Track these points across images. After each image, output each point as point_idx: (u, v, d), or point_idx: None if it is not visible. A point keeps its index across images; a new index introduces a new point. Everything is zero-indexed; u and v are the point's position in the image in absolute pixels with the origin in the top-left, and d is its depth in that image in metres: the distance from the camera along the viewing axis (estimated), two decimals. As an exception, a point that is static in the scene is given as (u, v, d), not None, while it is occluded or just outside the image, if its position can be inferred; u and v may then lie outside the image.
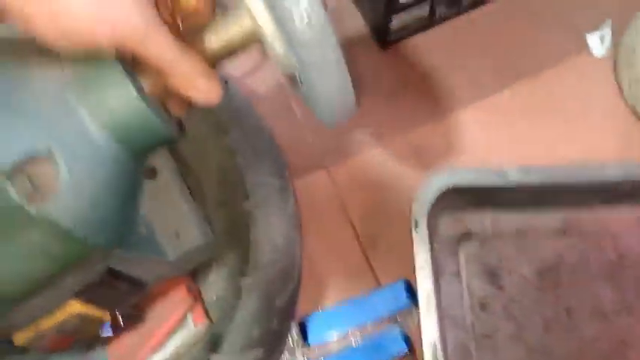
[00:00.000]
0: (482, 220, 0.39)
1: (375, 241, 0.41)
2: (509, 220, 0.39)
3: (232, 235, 0.36)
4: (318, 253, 0.41)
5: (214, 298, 0.35)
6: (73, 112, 0.22)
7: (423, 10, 0.47)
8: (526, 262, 0.38)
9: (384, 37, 0.48)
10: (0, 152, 0.20)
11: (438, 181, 0.36)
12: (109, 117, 0.22)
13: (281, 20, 0.22)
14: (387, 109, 0.46)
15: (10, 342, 0.30)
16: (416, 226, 0.35)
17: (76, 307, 0.30)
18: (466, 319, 0.37)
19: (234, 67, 0.43)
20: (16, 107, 0.21)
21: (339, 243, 0.42)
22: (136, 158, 0.25)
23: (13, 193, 0.20)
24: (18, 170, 0.20)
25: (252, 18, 0.24)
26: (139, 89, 0.22)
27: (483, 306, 0.37)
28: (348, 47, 0.48)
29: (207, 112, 0.38)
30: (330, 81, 0.23)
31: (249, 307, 0.33)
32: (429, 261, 0.34)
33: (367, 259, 0.41)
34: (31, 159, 0.20)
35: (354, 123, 0.45)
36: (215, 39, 0.25)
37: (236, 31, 0.25)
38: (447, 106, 0.46)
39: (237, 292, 0.33)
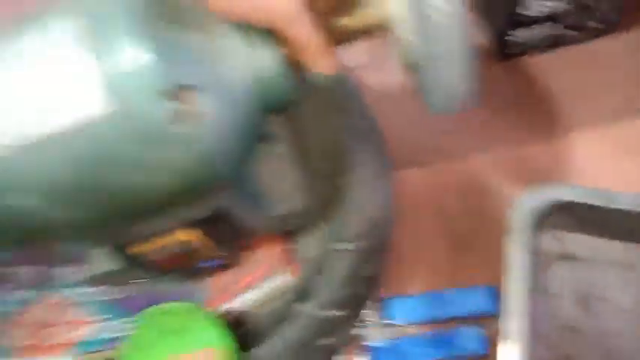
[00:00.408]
0: (583, 244, 0.37)
1: (465, 244, 0.42)
2: (613, 247, 0.37)
3: (330, 205, 0.38)
4: (406, 244, 0.42)
5: (307, 257, 0.38)
6: (227, 61, 0.26)
7: (547, 29, 0.47)
8: (626, 293, 0.36)
9: (503, 49, 0.48)
10: (162, 76, 0.24)
11: (542, 193, 0.36)
12: (255, 71, 0.27)
13: (419, 8, 0.24)
14: (497, 120, 0.46)
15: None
16: (511, 235, 0.35)
17: (190, 235, 0.34)
18: (551, 337, 0.35)
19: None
20: (184, 47, 0.25)
21: (428, 239, 0.42)
22: (264, 112, 0.28)
23: (165, 110, 0.24)
24: (172, 92, 0.24)
25: (387, 4, 0.27)
26: (283, 55, 0.27)
27: (572, 329, 0.36)
28: None
29: (321, 92, 0.42)
30: (456, 69, 0.25)
31: (339, 270, 0.35)
32: (521, 272, 0.33)
33: (454, 259, 0.41)
34: (185, 87, 0.24)
35: (462, 127, 0.46)
36: (346, 20, 0.28)
37: (367, 16, 0.28)
38: (561, 129, 0.46)
39: (330, 255, 0.36)
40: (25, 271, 0.41)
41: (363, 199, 0.37)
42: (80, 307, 0.40)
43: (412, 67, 0.28)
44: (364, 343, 0.38)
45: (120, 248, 0.34)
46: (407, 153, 0.45)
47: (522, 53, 0.49)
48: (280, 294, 0.37)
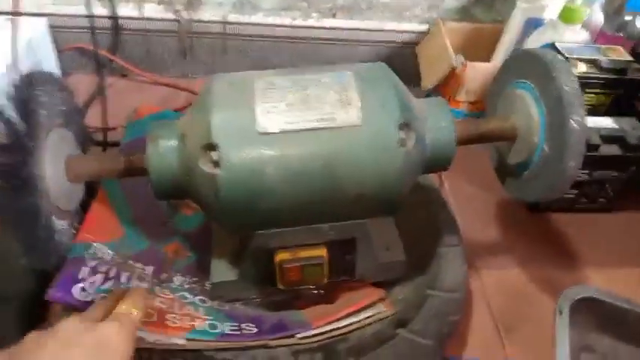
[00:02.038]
0: (602, 342, 0.48)
1: (509, 330, 0.52)
2: (626, 351, 0.48)
3: (420, 265, 0.49)
4: (462, 323, 0.51)
5: (399, 297, 0.47)
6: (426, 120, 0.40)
7: (570, 194, 0.64)
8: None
9: (535, 204, 0.64)
10: (400, 115, 0.37)
11: (580, 289, 0.48)
12: (434, 135, 0.40)
13: (559, 121, 0.40)
14: (533, 249, 0.60)
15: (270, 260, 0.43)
16: (560, 314, 0.45)
17: (322, 252, 0.43)
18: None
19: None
20: (411, 103, 0.39)
21: (480, 323, 0.52)
22: (424, 169, 0.41)
23: (397, 135, 0.37)
24: (403, 125, 0.37)
25: (528, 118, 0.42)
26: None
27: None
28: (506, 203, 0.66)
29: (419, 188, 0.55)
30: (574, 163, 0.39)
31: (431, 308, 0.44)
32: (568, 343, 0.43)
33: (501, 340, 0.50)
34: (407, 125, 0.38)
35: (505, 248, 0.60)
36: (484, 126, 0.43)
37: (505, 125, 0.43)
38: (578, 263, 0.60)
39: (421, 298, 0.45)
40: (140, 267, 0.47)
41: (451, 265, 0.48)
42: (191, 306, 0.45)
43: (514, 168, 0.43)
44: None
45: (270, 251, 0.42)
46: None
47: (549, 210, 0.65)
48: (376, 322, 0.45)
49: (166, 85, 0.77)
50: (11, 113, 0.36)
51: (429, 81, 0.68)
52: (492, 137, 0.43)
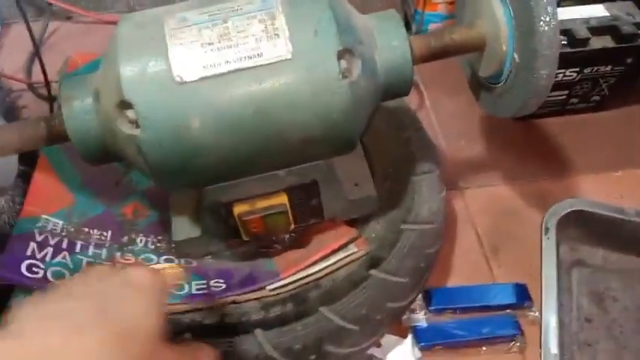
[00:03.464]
0: (594, 254, 0.46)
1: (496, 251, 0.49)
2: (619, 259, 0.45)
3: (393, 198, 0.45)
4: (446, 250, 0.49)
5: (372, 235, 0.44)
6: (374, 43, 0.35)
7: (559, 96, 0.59)
8: (629, 296, 0.44)
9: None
10: (339, 40, 0.31)
11: (568, 203, 0.45)
12: (388, 57, 0.35)
13: (527, 23, 0.34)
14: (520, 161, 0.57)
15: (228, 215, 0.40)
16: (546, 233, 0.43)
17: (283, 199, 0.39)
18: (572, 326, 0.42)
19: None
20: (353, 24, 0.33)
21: (465, 247, 0.50)
22: (382, 96, 0.36)
23: (337, 65, 0.31)
24: (343, 53, 0.32)
25: (494, 25, 0.36)
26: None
27: (588, 320, 0.43)
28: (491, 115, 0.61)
29: (391, 114, 0.50)
30: (549, 70, 0.33)
31: (406, 244, 0.41)
32: (555, 261, 0.41)
33: (488, 262, 0.48)
34: (348, 51, 0.32)
35: (493, 164, 0.56)
36: (446, 38, 0.37)
37: (470, 34, 0.38)
38: (569, 171, 0.56)
39: (396, 234, 0.42)
40: (97, 234, 0.45)
41: (426, 193, 0.44)
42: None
43: (488, 80, 0.37)
44: (411, 325, 0.44)
45: (226, 206, 0.39)
46: (446, 179, 0.53)
47: (534, 116, 0.60)
48: (348, 263, 0.42)
49: (112, 22, 0.70)
50: None
51: (397, -15, 0.61)
52: (458, 50, 0.37)
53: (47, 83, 0.56)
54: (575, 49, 0.50)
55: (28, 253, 0.38)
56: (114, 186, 0.48)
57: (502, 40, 0.36)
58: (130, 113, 0.32)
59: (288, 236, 0.45)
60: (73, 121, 0.34)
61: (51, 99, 0.56)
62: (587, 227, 0.46)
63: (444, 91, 0.62)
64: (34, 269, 0.38)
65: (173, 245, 0.44)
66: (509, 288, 0.45)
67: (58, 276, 0.38)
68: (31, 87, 0.63)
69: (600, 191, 0.53)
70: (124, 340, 0.24)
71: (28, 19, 0.66)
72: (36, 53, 0.55)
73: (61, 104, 0.34)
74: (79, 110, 0.34)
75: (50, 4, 0.68)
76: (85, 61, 0.53)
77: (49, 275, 0.38)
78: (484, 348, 0.44)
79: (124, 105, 0.32)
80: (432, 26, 0.66)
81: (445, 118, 0.61)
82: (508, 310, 0.45)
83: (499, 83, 0.39)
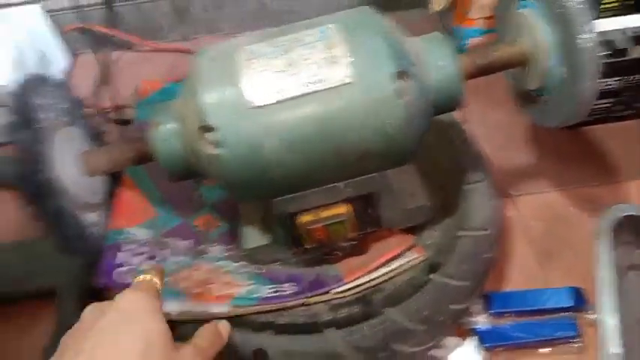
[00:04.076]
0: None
1: (550, 256, 0.51)
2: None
3: (446, 207, 0.48)
4: (501, 256, 0.50)
5: (429, 242, 0.46)
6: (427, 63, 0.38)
7: (604, 104, 0.59)
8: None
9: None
10: (395, 63, 0.35)
11: (620, 208, 0.46)
12: (439, 75, 0.37)
13: (567, 39, 0.36)
14: (568, 168, 0.58)
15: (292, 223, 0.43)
16: (600, 237, 0.44)
17: (344, 209, 0.42)
18: (630, 327, 0.43)
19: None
20: (406, 48, 0.37)
21: (519, 252, 0.51)
22: (433, 113, 0.39)
23: (393, 87, 0.34)
24: (398, 74, 0.35)
25: (536, 41, 0.39)
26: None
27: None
28: (536, 125, 0.62)
29: (439, 127, 0.53)
30: (591, 83, 0.35)
31: (462, 249, 0.44)
32: (610, 264, 0.42)
33: (542, 267, 0.50)
34: (403, 73, 0.35)
35: (539, 171, 0.58)
36: (491, 55, 0.40)
37: (513, 51, 0.40)
38: (617, 177, 0.57)
39: (452, 241, 0.45)
40: (180, 244, 0.49)
41: (479, 203, 0.46)
42: (230, 275, 0.47)
43: (531, 94, 0.39)
44: (472, 327, 0.46)
45: (292, 216, 0.42)
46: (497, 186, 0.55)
47: (579, 124, 0.61)
48: (409, 269, 0.45)
49: (169, 50, 0.75)
50: (15, 122, 0.37)
51: (437, 3, 0.63)
52: (502, 66, 0.40)
53: (117, 108, 0.61)
54: (615, 58, 0.51)
55: (118, 261, 0.43)
56: (187, 200, 0.52)
57: (544, 55, 0.38)
58: (211, 135, 0.36)
59: (347, 244, 0.48)
60: (161, 143, 0.38)
61: (121, 122, 0.61)
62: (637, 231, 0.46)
63: (487, 102, 0.64)
64: (123, 276, 0.42)
65: (243, 253, 0.48)
66: (566, 291, 0.47)
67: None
68: (101, 112, 0.69)
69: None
70: None
71: (93, 50, 0.73)
72: (107, 81, 0.60)
73: (148, 129, 0.39)
74: (165, 134, 0.38)
75: (113, 35, 0.74)
76: (154, 88, 0.58)
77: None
78: (544, 349, 0.45)
79: (206, 129, 0.36)
80: (470, 41, 0.68)
81: (490, 128, 0.62)
82: (566, 313, 0.46)
83: (545, 95, 0.41)
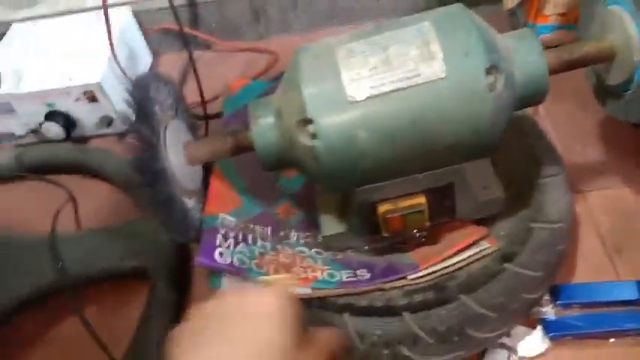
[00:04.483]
0: None
1: (620, 250, 0.52)
2: None
3: (520, 199, 0.49)
4: (570, 249, 0.51)
5: (502, 233, 0.48)
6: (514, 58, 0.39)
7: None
8: None
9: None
10: (487, 58, 0.37)
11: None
12: (525, 69, 0.39)
13: None
14: (637, 166, 0.58)
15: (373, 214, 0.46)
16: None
17: (422, 199, 0.45)
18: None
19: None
20: (496, 44, 0.38)
21: (589, 246, 0.52)
22: (518, 105, 0.41)
23: (485, 81, 0.37)
24: (490, 69, 0.37)
25: (625, 36, 0.40)
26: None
27: None
28: (606, 121, 0.63)
29: (514, 122, 0.54)
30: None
31: (536, 241, 0.45)
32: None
33: (611, 261, 0.51)
34: (494, 68, 0.37)
35: (609, 167, 0.58)
36: (578, 50, 0.41)
37: (601, 46, 0.41)
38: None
39: (525, 232, 0.46)
40: (264, 230, 0.53)
41: (554, 196, 0.48)
42: (309, 259, 0.50)
43: (616, 89, 0.40)
44: (540, 317, 0.47)
45: (373, 205, 0.45)
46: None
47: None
48: (481, 258, 0.47)
49: (246, 49, 0.79)
50: (132, 117, 0.41)
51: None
52: (588, 61, 0.41)
53: (204, 104, 0.66)
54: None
55: (217, 243, 0.47)
56: (269, 190, 0.56)
57: (633, 50, 0.39)
58: (310, 128, 0.39)
59: (420, 233, 0.50)
60: (259, 136, 0.42)
61: (207, 117, 0.66)
62: None
63: (556, 96, 0.65)
64: (224, 256, 0.46)
65: (320, 239, 0.51)
66: (634, 285, 0.47)
67: (242, 262, 0.46)
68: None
69: None
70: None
71: (173, 50, 0.78)
72: (195, 77, 0.65)
73: (249, 122, 0.43)
74: (264, 126, 0.42)
75: (195, 36, 0.80)
76: (239, 85, 0.63)
77: (234, 261, 0.46)
78: (611, 340, 0.46)
79: (306, 121, 0.39)
80: (543, 37, 0.69)
81: (559, 123, 0.63)
82: (633, 306, 0.47)
83: (629, 90, 0.42)
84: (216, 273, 0.46)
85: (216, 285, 0.45)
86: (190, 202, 0.48)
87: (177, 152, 0.45)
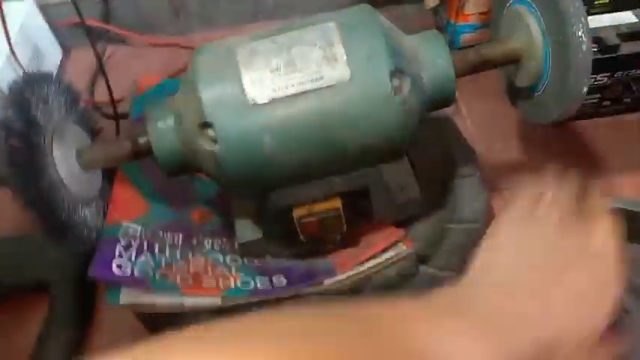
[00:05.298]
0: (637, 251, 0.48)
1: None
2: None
3: (436, 201, 0.49)
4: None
5: (417, 235, 0.47)
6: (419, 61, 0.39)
7: (592, 99, 0.61)
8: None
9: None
10: (392, 61, 0.36)
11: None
12: (433, 72, 0.39)
13: (561, 36, 0.37)
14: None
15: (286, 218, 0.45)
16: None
17: (337, 203, 0.43)
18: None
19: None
20: (402, 47, 0.38)
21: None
22: (428, 108, 0.40)
23: (390, 84, 0.36)
24: (395, 72, 0.36)
25: (529, 39, 0.40)
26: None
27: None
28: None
29: (430, 121, 0.54)
30: (583, 78, 0.37)
31: (451, 242, 0.45)
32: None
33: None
34: (399, 71, 0.36)
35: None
36: (483, 52, 0.41)
37: (506, 48, 0.41)
38: (605, 171, 0.58)
39: (440, 233, 0.46)
40: (175, 237, 0.50)
41: (468, 195, 0.48)
42: (223, 267, 0.48)
43: (524, 90, 0.41)
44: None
45: (286, 210, 0.43)
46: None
47: (568, 119, 0.62)
48: (398, 261, 0.46)
49: (165, 45, 0.75)
50: (14, 119, 0.37)
51: (432, -2, 0.64)
52: (495, 63, 0.41)
53: (113, 103, 0.61)
54: (605, 55, 0.52)
55: (116, 253, 0.44)
56: (181, 194, 0.53)
57: (537, 52, 0.40)
58: (210, 132, 0.37)
59: (339, 237, 0.49)
60: (157, 139, 0.39)
61: (117, 117, 0.62)
62: (629, 225, 0.48)
63: (477, 96, 0.66)
64: (123, 267, 0.43)
65: (237, 246, 0.49)
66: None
67: (145, 273, 0.43)
68: (96, 107, 0.69)
69: (637, 190, 0.56)
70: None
71: (86, 44, 0.73)
72: (103, 75, 0.61)
73: (146, 125, 0.39)
74: (162, 130, 0.39)
75: (107, 30, 0.75)
76: (151, 83, 0.59)
77: (135, 272, 0.43)
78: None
79: (205, 125, 0.37)
80: (464, 37, 0.69)
81: (479, 122, 0.64)
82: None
83: (537, 92, 0.42)
84: (113, 286, 0.43)
85: (114, 299, 0.42)
86: (88, 211, 0.44)
87: (69, 158, 0.42)
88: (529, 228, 0.32)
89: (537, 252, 0.30)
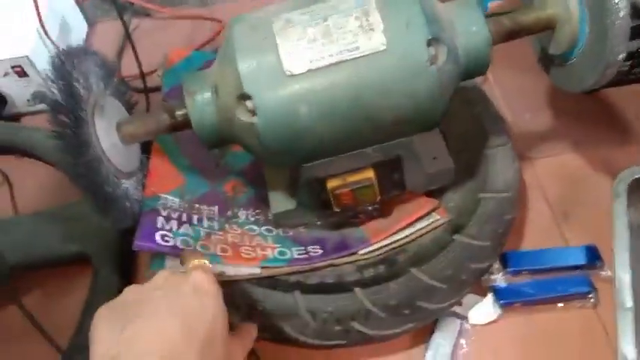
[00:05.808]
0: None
1: (567, 216, 0.52)
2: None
3: (469, 170, 0.49)
4: (519, 216, 0.51)
5: (451, 204, 0.48)
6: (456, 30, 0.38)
7: (622, 67, 0.60)
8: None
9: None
10: (428, 30, 0.36)
11: (636, 170, 0.47)
12: (468, 43, 0.38)
13: (600, 4, 0.36)
14: (586, 131, 0.58)
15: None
16: (617, 197, 0.45)
17: (370, 173, 0.44)
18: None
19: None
20: (439, 15, 0.37)
21: (537, 213, 0.53)
22: (462, 78, 0.40)
23: (426, 53, 0.35)
24: (431, 42, 0.36)
25: (565, 5, 0.39)
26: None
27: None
28: (554, 88, 0.62)
29: (461, 91, 0.53)
30: (620, 44, 0.36)
31: (484, 211, 0.45)
32: (626, 223, 0.44)
33: (559, 227, 0.52)
34: (435, 40, 0.36)
35: (557, 134, 0.59)
36: (519, 19, 0.40)
37: (542, 14, 0.40)
38: (633, 139, 0.58)
39: (474, 202, 0.46)
40: (210, 209, 0.51)
41: (500, 164, 0.48)
42: (259, 238, 0.49)
43: (556, 57, 0.40)
44: (490, 285, 0.48)
45: (321, 181, 0.44)
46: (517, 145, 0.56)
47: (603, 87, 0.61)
48: (432, 230, 0.47)
49: (189, 17, 0.75)
50: (60, 94, 0.38)
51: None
52: (530, 30, 0.40)
53: (143, 76, 0.62)
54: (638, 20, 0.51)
55: (159, 225, 0.45)
56: (214, 167, 0.54)
57: (573, 18, 0.39)
58: (248, 104, 0.37)
59: (372, 207, 0.50)
60: (196, 112, 0.40)
61: (147, 91, 0.62)
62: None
63: (507, 65, 0.65)
64: (166, 238, 0.44)
65: (271, 217, 0.50)
66: (581, 250, 0.48)
67: (186, 244, 0.44)
68: (122, 81, 0.70)
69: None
70: (209, 346, 0.30)
71: (111, 18, 0.73)
72: (132, 49, 0.61)
73: (184, 98, 0.40)
74: (201, 103, 0.40)
75: (131, 3, 0.75)
76: (179, 57, 0.59)
77: (178, 243, 0.44)
78: (560, 304, 0.47)
79: (243, 97, 0.37)
80: (491, 5, 0.68)
81: (509, 92, 0.63)
82: (580, 271, 0.48)
83: (571, 59, 0.41)
84: (158, 256, 0.44)
85: (158, 268, 0.43)
86: (129, 183, 0.45)
87: (110, 131, 0.43)
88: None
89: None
